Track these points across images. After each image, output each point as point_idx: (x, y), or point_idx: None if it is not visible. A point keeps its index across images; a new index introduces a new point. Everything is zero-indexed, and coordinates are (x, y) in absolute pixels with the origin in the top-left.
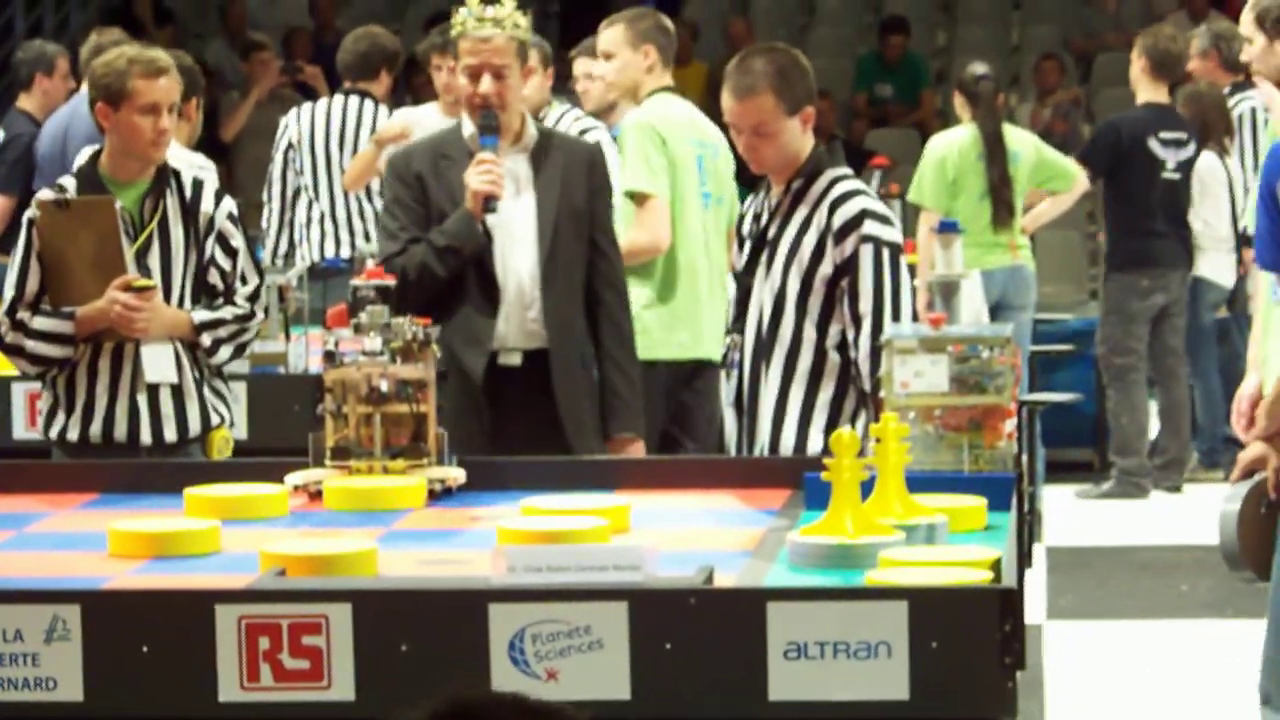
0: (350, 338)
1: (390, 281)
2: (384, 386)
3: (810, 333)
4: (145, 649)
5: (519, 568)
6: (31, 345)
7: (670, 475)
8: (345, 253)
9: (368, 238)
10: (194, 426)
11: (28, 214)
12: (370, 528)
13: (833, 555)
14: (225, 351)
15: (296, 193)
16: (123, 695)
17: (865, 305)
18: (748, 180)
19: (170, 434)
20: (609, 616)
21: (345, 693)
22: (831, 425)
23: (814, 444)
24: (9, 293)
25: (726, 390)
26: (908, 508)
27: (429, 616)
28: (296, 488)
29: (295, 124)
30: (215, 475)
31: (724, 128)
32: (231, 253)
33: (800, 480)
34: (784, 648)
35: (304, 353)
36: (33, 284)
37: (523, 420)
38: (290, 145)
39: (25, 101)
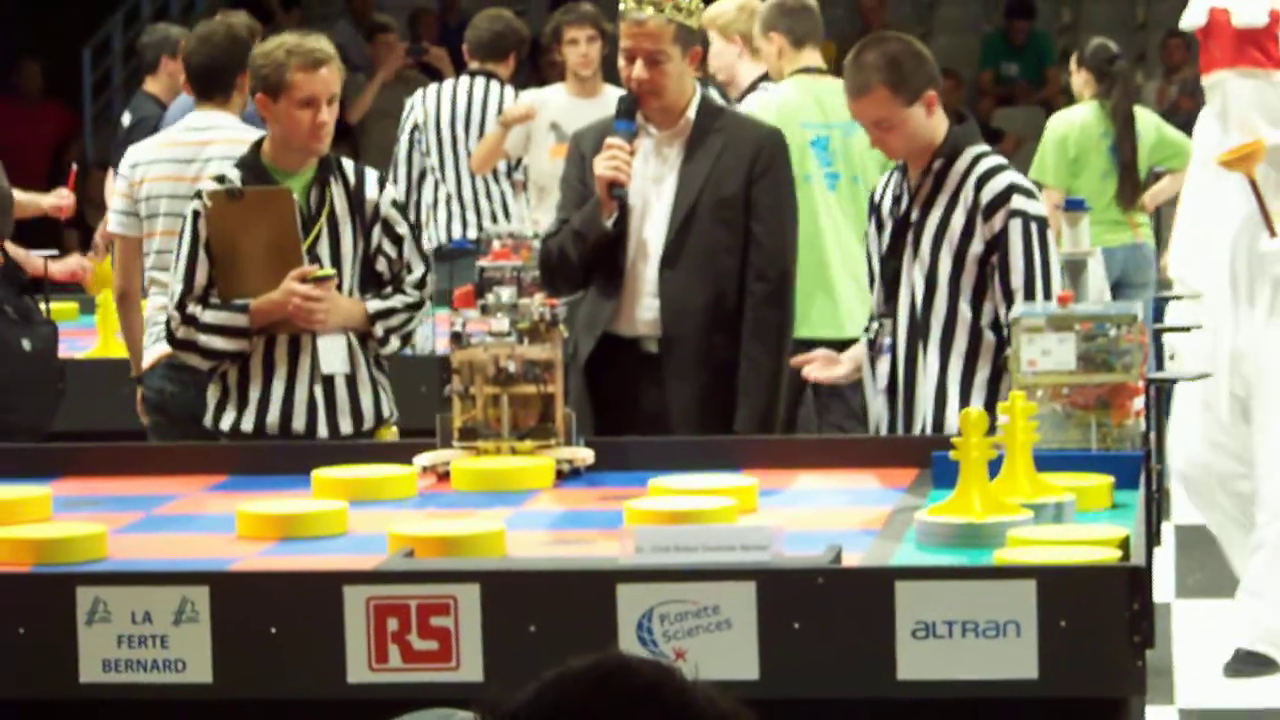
0: (477, 319)
1: (516, 262)
2: (511, 367)
3: (965, 312)
4: (274, 630)
5: (647, 548)
6: (205, 339)
7: (797, 455)
8: (472, 234)
9: (494, 219)
10: (368, 418)
11: (192, 205)
12: (498, 508)
13: (961, 534)
14: (395, 341)
15: (422, 174)
16: (251, 677)
17: (1017, 280)
18: None
19: (346, 425)
20: (737, 596)
21: (474, 673)
22: (991, 404)
23: None
24: (176, 286)
25: (877, 375)
26: (1036, 486)
27: (557, 597)
28: (424, 469)
29: (421, 105)
30: (343, 457)
31: None
32: (397, 240)
33: (928, 459)
34: (912, 627)
35: (431, 334)
36: (201, 276)
37: (628, 409)
38: (416, 127)
39: (151, 84)
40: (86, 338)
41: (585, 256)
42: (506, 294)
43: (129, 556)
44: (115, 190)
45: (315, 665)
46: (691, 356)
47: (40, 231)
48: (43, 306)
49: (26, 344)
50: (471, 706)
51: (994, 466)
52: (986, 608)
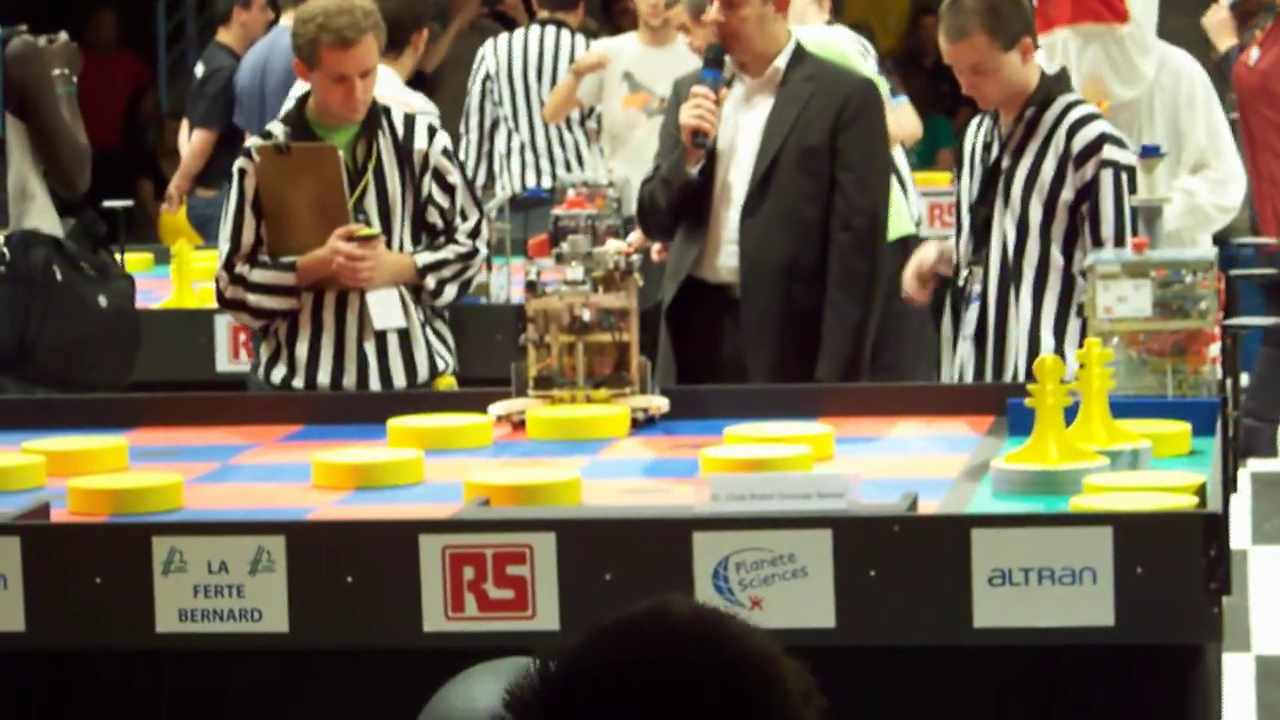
0: (552, 267)
1: (590, 210)
2: (586, 316)
3: (1057, 258)
4: (349, 579)
5: (723, 496)
6: (254, 299)
7: (873, 402)
8: (546, 183)
9: (568, 167)
10: (423, 372)
11: (238, 164)
12: (574, 457)
13: (1037, 481)
14: (450, 291)
15: (495, 123)
16: (327, 626)
17: (1107, 230)
18: None
19: (400, 380)
20: (813, 544)
21: (549, 622)
22: None
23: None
24: (224, 246)
25: (964, 321)
26: (1112, 433)
27: (633, 545)
28: (500, 418)
29: (493, 54)
30: (418, 406)
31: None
32: (449, 189)
33: (1004, 406)
34: (988, 574)
35: (506, 283)
36: (248, 235)
37: (709, 355)
38: (488, 76)
39: (224, 35)
40: (161, 288)
41: (673, 203)
42: (581, 242)
43: (204, 506)
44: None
45: (391, 614)
46: (770, 306)
47: (115, 181)
48: (118, 258)
49: (103, 300)
50: (534, 654)
51: (1070, 414)
52: (1063, 555)
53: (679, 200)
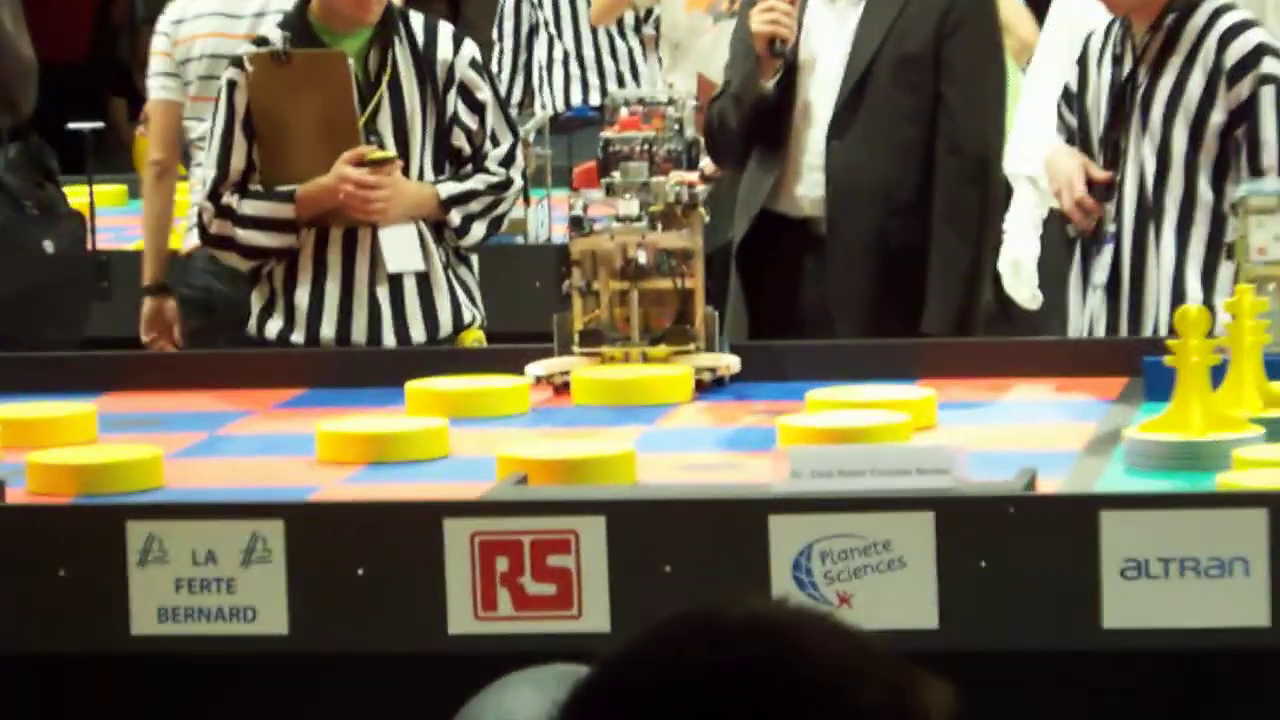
0: (601, 200)
1: (647, 133)
2: (642, 258)
3: (1206, 193)
4: (361, 572)
5: (804, 473)
6: (244, 235)
7: (984, 360)
8: (594, 99)
9: (620, 81)
10: (445, 324)
11: (227, 75)
12: (627, 426)
13: (1178, 455)
14: (478, 229)
15: (533, 29)
16: (334, 627)
17: (1269, 158)
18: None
19: (418, 333)
20: (912, 530)
21: (599, 622)
22: None
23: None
24: (209, 173)
25: (1093, 269)
26: (1267, 397)
27: (698, 532)
28: (539, 379)
29: None
30: (442, 366)
31: None
32: (478, 108)
33: (1138, 366)
34: (1121, 565)
35: (546, 219)
36: (238, 160)
37: (788, 303)
38: None
39: None
40: (136, 226)
41: (745, 124)
42: (636, 170)
43: (189, 485)
44: (154, 49)
45: (410, 613)
46: (862, 243)
47: (82, 100)
48: (85, 190)
49: (49, 245)
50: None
51: (1217, 374)
52: (1209, 542)
53: (752, 120)
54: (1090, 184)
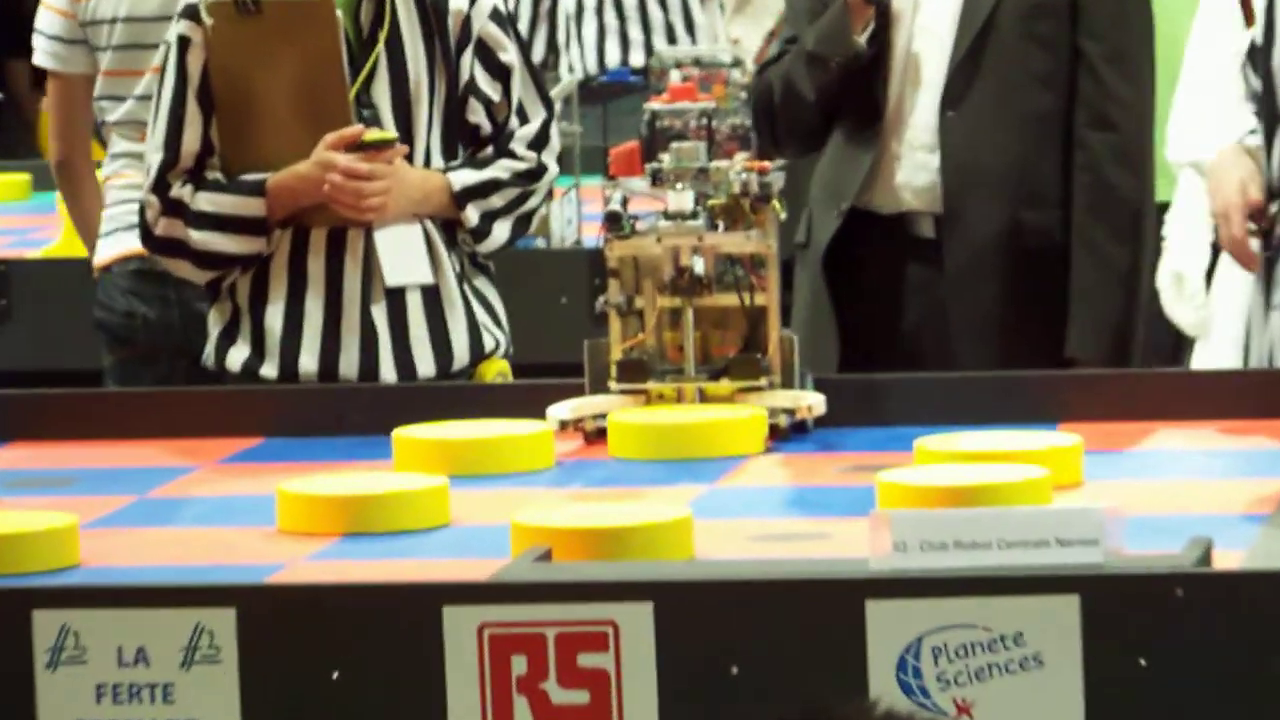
0: (646, 191)
1: (705, 103)
2: (699, 267)
3: None
4: (335, 676)
5: (912, 545)
6: (199, 238)
7: (1142, 398)
8: (636, 59)
9: (670, 36)
10: (460, 354)
11: (177, 28)
12: (680, 485)
13: None
14: (501, 230)
15: None
16: None
17: None
18: None
19: (426, 366)
20: (1052, 618)
21: None
22: None
23: None
24: (154, 156)
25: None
26: None
27: (774, 621)
28: (565, 425)
29: None
30: (440, 407)
31: None
32: (501, 73)
33: None
34: None
35: (574, 215)
36: (191, 140)
37: (888, 324)
38: None
39: None
40: (44, 227)
41: (826, 92)
42: (691, 152)
43: (112, 563)
44: (45, 4)
45: None
46: (990, 244)
47: None
48: None
49: None
50: None
51: None
52: None
53: (835, 88)
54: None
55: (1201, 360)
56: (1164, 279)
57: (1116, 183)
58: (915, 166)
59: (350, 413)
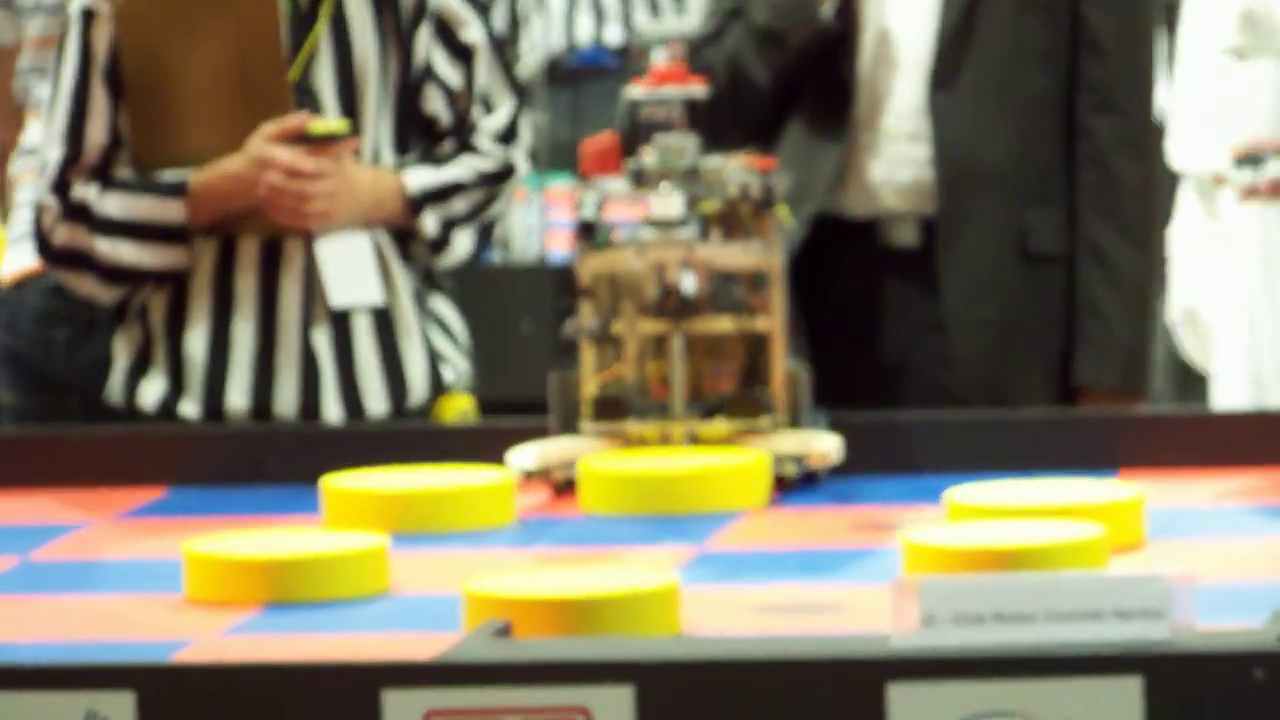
0: (625, 194)
1: (692, 88)
2: (689, 285)
3: None
4: None
5: (942, 617)
6: (106, 248)
7: (1215, 441)
8: (612, 37)
9: (654, 7)
10: (417, 387)
11: (78, 1)
12: (667, 546)
13: None
14: (463, 241)
15: None
16: None
17: None
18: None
19: (377, 402)
20: (1109, 704)
21: None
22: None
23: None
24: (52, 150)
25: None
26: None
27: (779, 708)
28: (529, 474)
29: None
30: (379, 452)
31: None
32: (463, 55)
33: None
34: None
35: (538, 223)
36: (97, 131)
37: (870, 349)
38: None
39: None
40: None
41: (782, 75)
42: (678, 149)
43: None
44: None
45: None
46: (991, 250)
47: None
48: None
49: None
50: None
51: None
52: None
53: (794, 70)
54: None
55: (1221, 388)
56: (1176, 315)
57: (1126, 177)
58: (895, 160)
59: (273, 458)
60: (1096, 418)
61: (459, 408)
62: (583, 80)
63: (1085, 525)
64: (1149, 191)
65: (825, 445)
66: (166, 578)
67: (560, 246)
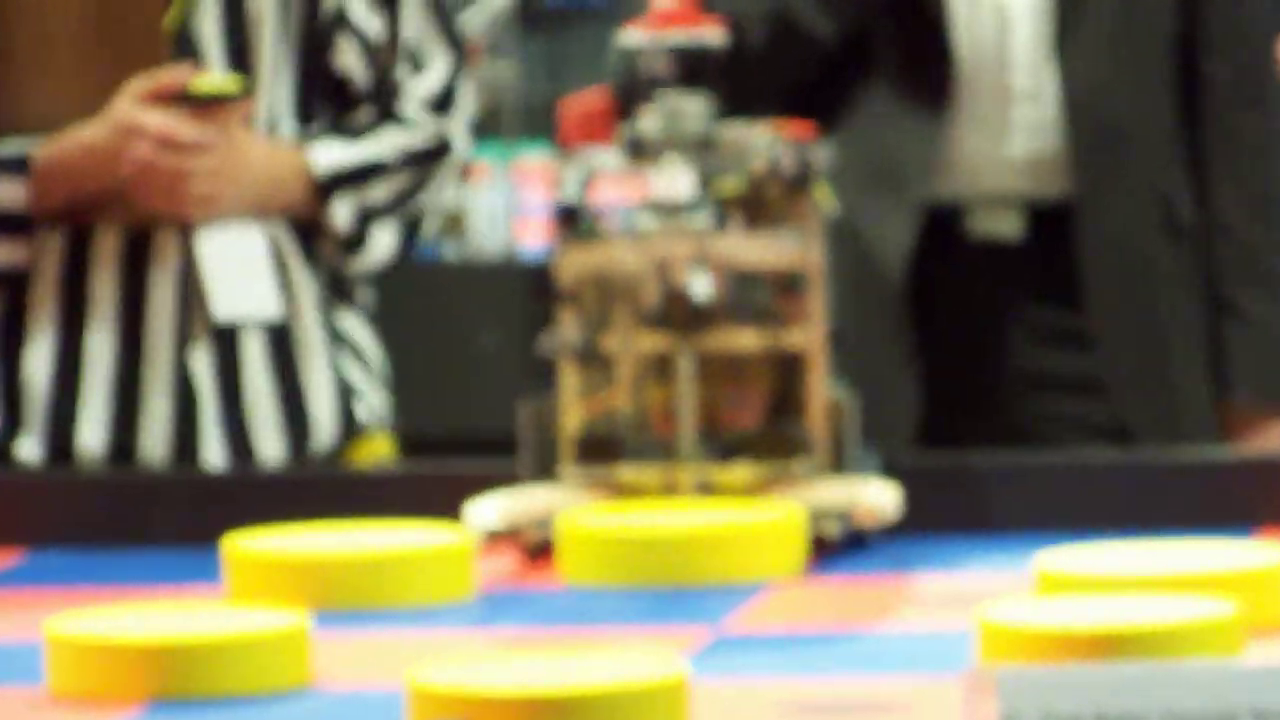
0: (618, 169)
1: (712, 33)
2: (700, 288)
3: None
4: None
5: (1029, 717)
6: None
7: None
8: None
9: None
10: (322, 427)
11: None
12: (673, 627)
13: None
14: (385, 239)
15: None
16: None
17: None
18: None
19: (270, 445)
20: None
21: None
22: None
23: None
24: None
25: None
26: None
27: None
28: (493, 534)
29: None
30: (296, 505)
31: None
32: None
33: None
34: None
35: (503, 207)
36: None
37: (979, 372)
38: None
39: None
40: None
41: (851, 23)
42: (686, 111)
43: None
44: None
45: None
46: (1138, 237)
47: None
48: None
49: None
50: None
51: None
52: None
53: (869, 17)
54: None
55: None
56: None
57: (1253, 140)
58: (1009, 129)
59: (158, 512)
60: (1227, 459)
61: (376, 454)
62: (563, 23)
63: (1213, 600)
64: (1270, 150)
65: (877, 496)
66: (24, 667)
67: (534, 238)
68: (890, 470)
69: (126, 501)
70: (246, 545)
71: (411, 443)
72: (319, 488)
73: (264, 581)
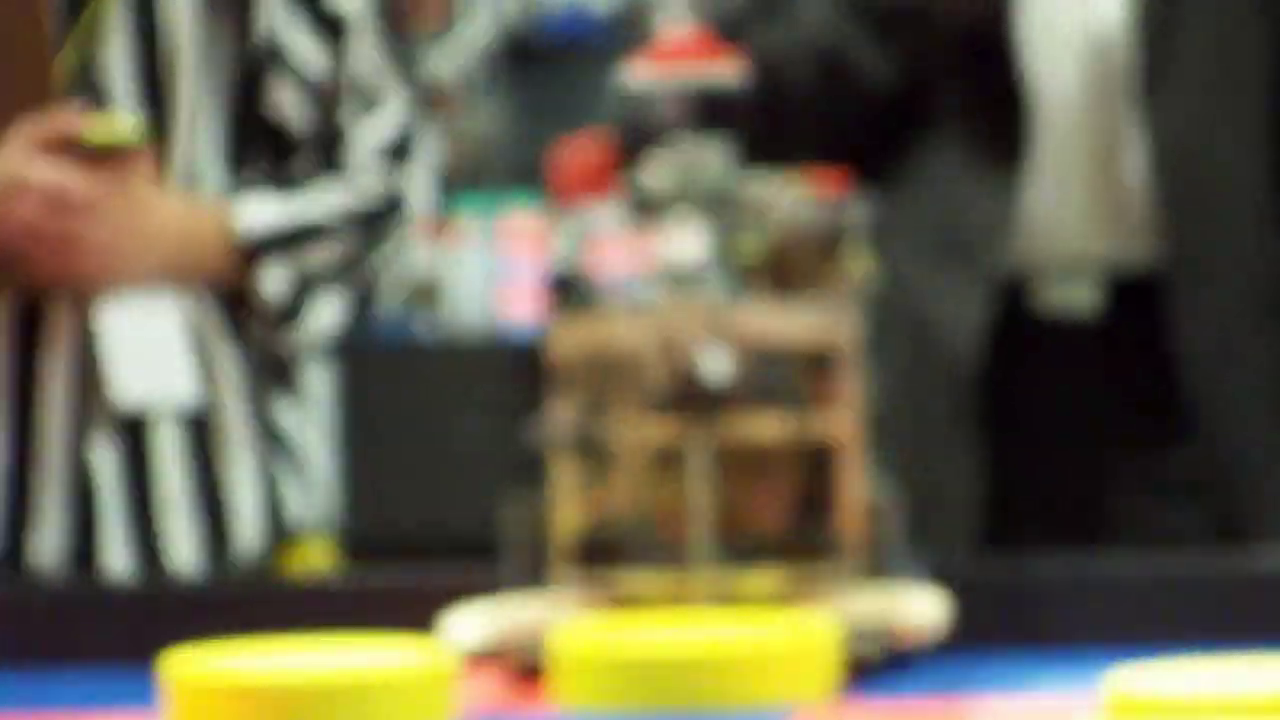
0: (619, 227)
1: (727, 71)
2: (716, 368)
3: None
4: None
5: None
6: None
7: None
8: None
9: None
10: (245, 530)
11: None
12: None
13: None
14: (324, 312)
15: None
16: None
17: None
18: None
19: (184, 550)
20: None
21: None
22: None
23: None
24: None
25: None
26: None
27: None
28: (476, 654)
29: None
30: (235, 618)
31: None
32: (329, 28)
33: None
34: None
35: (484, 273)
36: None
37: (1077, 457)
38: None
39: None
40: None
41: (912, 67)
42: (702, 160)
43: None
44: None
45: None
46: (1239, 302)
47: None
48: None
49: None
50: None
51: None
52: None
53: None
54: None
55: None
56: None
57: None
58: (1087, 186)
59: (87, 625)
60: None
61: (309, 560)
62: (555, 60)
63: None
64: None
65: (921, 610)
66: None
67: (521, 309)
68: (941, 577)
69: (72, 612)
70: (187, 666)
71: (375, 546)
72: (266, 597)
73: (211, 711)
